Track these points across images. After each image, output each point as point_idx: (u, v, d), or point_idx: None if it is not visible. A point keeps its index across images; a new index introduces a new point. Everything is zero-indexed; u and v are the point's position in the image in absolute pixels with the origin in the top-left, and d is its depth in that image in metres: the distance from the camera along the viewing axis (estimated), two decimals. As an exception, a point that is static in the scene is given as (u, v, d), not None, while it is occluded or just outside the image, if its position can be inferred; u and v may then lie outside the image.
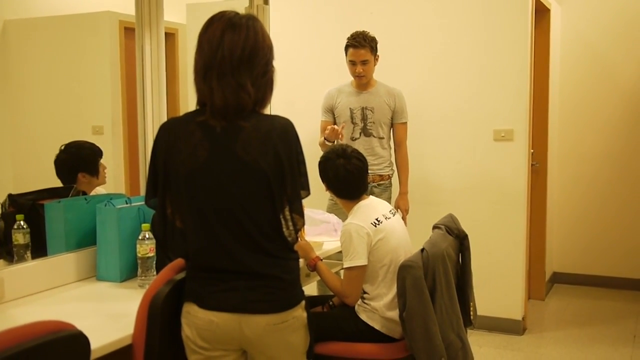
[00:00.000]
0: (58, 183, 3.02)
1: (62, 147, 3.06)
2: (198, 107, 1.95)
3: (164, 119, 2.93)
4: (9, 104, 3.42)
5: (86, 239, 2.66)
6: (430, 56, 4.62)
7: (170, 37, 3.78)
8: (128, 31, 3.63)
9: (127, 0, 2.92)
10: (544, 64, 5.13)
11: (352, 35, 4.05)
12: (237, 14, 1.92)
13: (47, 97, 3.66)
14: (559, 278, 5.81)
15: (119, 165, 3.78)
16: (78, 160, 3.09)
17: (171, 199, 1.95)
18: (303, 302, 1.99)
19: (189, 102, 2.13)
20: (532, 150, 4.75)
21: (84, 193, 2.99)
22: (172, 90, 3.05)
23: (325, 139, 3.96)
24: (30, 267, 2.45)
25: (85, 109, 3.86)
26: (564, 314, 5.12)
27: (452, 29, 4.54)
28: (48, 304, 2.32)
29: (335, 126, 3.95)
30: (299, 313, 1.97)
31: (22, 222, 2.56)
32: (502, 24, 4.40)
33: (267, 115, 1.98)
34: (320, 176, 2.89)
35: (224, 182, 1.88)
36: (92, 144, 3.21)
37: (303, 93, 4.83)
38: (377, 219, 2.74)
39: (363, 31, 4.05)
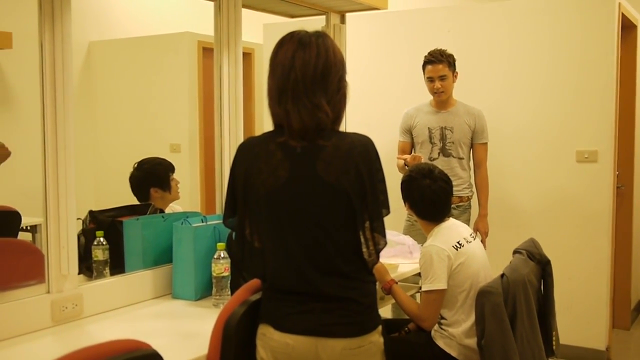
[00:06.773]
0: (136, 200, 3.08)
1: (135, 165, 3.13)
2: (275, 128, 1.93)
3: (241, 138, 2.94)
4: (92, 122, 3.52)
5: (163, 256, 2.68)
6: (511, 74, 4.51)
7: (247, 56, 3.82)
8: (206, 51, 3.70)
9: (206, 21, 2.96)
10: (630, 82, 4.93)
11: (429, 53, 4.02)
12: (306, 32, 1.89)
13: (128, 116, 3.76)
14: (645, 307, 5.53)
15: (196, 183, 3.83)
16: (149, 176, 3.16)
17: (250, 219, 1.93)
18: (380, 327, 1.93)
19: (264, 121, 2.12)
20: (617, 172, 4.56)
21: (162, 211, 3.03)
22: (247, 110, 3.08)
23: (405, 164, 3.90)
24: (109, 283, 2.49)
25: (164, 127, 3.94)
26: (652, 345, 4.86)
27: (533, 47, 4.42)
28: (124, 320, 2.35)
29: (419, 154, 3.91)
30: (376, 338, 1.91)
31: (101, 239, 2.61)
32: (587, 41, 4.26)
33: (346, 133, 1.94)
34: (403, 196, 2.82)
35: (304, 202, 1.85)
36: (164, 160, 3.26)
37: (379, 112, 4.79)
38: (458, 242, 2.66)
39: (440, 48, 4.01)
